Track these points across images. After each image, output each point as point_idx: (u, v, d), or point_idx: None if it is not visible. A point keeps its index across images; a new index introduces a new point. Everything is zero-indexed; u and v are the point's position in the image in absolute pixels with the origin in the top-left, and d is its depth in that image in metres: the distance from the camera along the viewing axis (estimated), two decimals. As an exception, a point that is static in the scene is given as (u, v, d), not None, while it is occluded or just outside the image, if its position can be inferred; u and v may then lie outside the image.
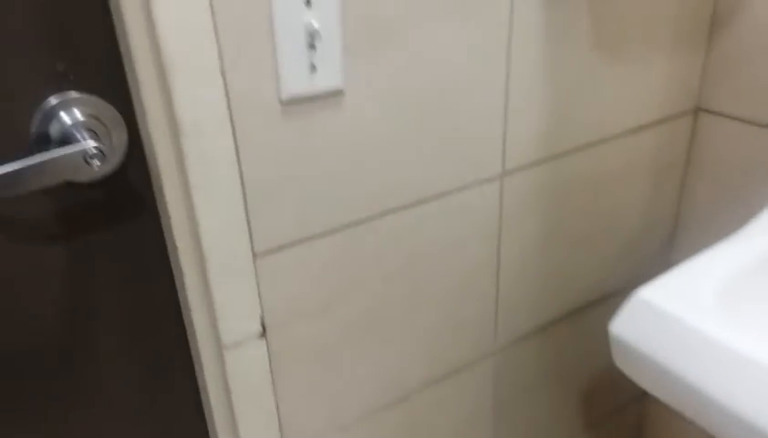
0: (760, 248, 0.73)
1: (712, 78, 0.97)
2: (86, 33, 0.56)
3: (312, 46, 0.59)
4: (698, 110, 1.00)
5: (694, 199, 1.07)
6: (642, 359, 0.67)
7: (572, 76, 0.81)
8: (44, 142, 0.56)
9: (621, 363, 0.71)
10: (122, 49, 0.56)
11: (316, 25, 0.58)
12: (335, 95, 0.63)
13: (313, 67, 0.60)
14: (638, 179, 0.98)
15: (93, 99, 0.57)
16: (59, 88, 0.56)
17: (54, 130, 0.56)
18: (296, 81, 0.60)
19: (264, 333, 0.67)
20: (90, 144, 0.53)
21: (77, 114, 0.57)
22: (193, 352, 0.68)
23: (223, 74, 0.56)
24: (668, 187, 1.04)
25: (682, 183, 1.06)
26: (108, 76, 0.58)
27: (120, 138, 0.59)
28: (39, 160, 0.51)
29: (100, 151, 0.54)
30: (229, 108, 0.58)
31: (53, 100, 0.56)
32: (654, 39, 0.87)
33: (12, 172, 0.50)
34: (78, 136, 0.55)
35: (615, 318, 0.69)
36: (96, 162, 0.53)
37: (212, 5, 0.54)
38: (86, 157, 0.53)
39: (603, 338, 1.08)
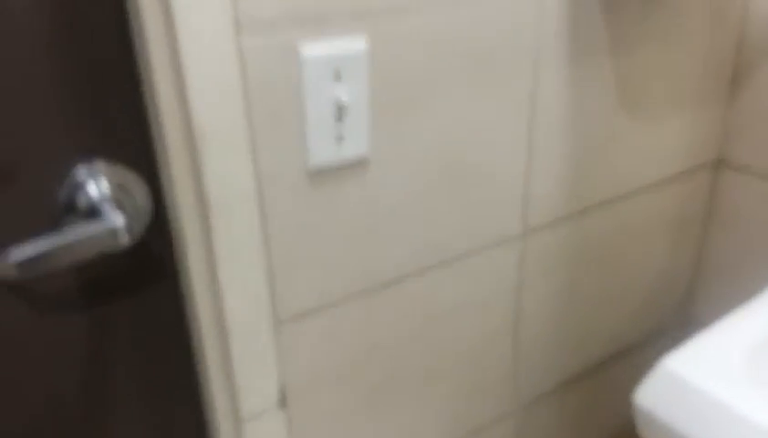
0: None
1: (733, 131, 0.97)
2: (116, 106, 0.56)
3: (340, 118, 0.59)
4: (719, 163, 0.99)
5: (715, 251, 1.06)
6: (667, 431, 0.65)
7: (595, 133, 0.80)
8: (71, 213, 0.56)
9: (645, 433, 0.69)
10: (152, 122, 0.56)
11: (344, 98, 0.58)
12: (360, 163, 0.63)
13: (340, 138, 0.60)
14: (659, 232, 0.97)
15: (120, 168, 0.57)
16: (88, 158, 0.56)
17: (81, 200, 0.56)
18: (324, 152, 0.59)
19: (283, 403, 0.66)
20: (119, 222, 0.52)
21: (105, 185, 0.57)
22: (210, 423, 0.67)
23: (252, 147, 0.56)
24: (688, 239, 1.03)
25: (703, 236, 1.05)
26: (135, 146, 0.58)
27: (145, 207, 0.59)
28: (66, 240, 0.51)
29: (128, 226, 0.53)
30: (257, 180, 0.58)
31: (81, 171, 0.56)
32: (676, 94, 0.87)
33: (39, 254, 0.50)
34: (106, 209, 0.55)
35: (639, 388, 0.67)
36: (124, 238, 0.53)
37: (244, 81, 0.54)
38: (114, 233, 0.52)
39: (624, 393, 1.07)
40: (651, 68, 0.82)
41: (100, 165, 0.57)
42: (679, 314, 1.10)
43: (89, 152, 0.56)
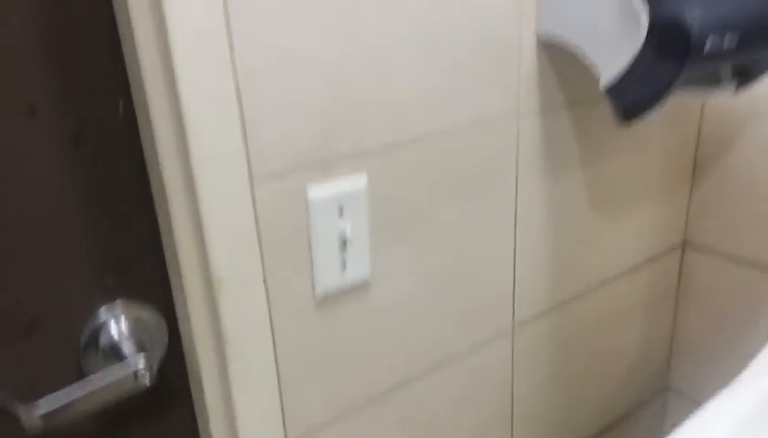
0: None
1: (696, 216, 1.05)
2: (136, 250, 0.59)
3: (343, 248, 0.63)
4: (684, 245, 1.07)
5: (686, 325, 1.12)
6: None
7: (571, 234, 0.87)
8: (92, 351, 0.59)
9: None
10: (169, 264, 0.60)
11: (347, 231, 0.62)
12: (363, 286, 0.67)
13: (344, 266, 0.64)
14: (635, 312, 1.03)
15: (138, 305, 0.60)
16: (108, 299, 0.59)
17: (103, 339, 0.59)
18: (329, 280, 0.63)
19: None
20: (141, 364, 0.55)
21: (124, 323, 0.59)
22: None
23: (265, 282, 0.60)
24: (662, 316, 1.09)
25: (675, 311, 1.12)
26: (153, 284, 0.61)
27: (161, 339, 0.62)
28: (90, 388, 0.53)
29: (147, 366, 0.56)
30: (269, 311, 0.61)
31: (102, 312, 0.59)
32: (641, 189, 0.94)
33: (64, 404, 0.52)
34: (127, 350, 0.57)
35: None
36: (145, 380, 0.55)
37: (257, 224, 0.58)
38: (135, 376, 0.55)
39: (611, 469, 1.10)
40: (619, 172, 0.89)
41: (120, 304, 0.59)
42: (657, 384, 1.15)
43: (110, 294, 0.59)
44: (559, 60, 0.75)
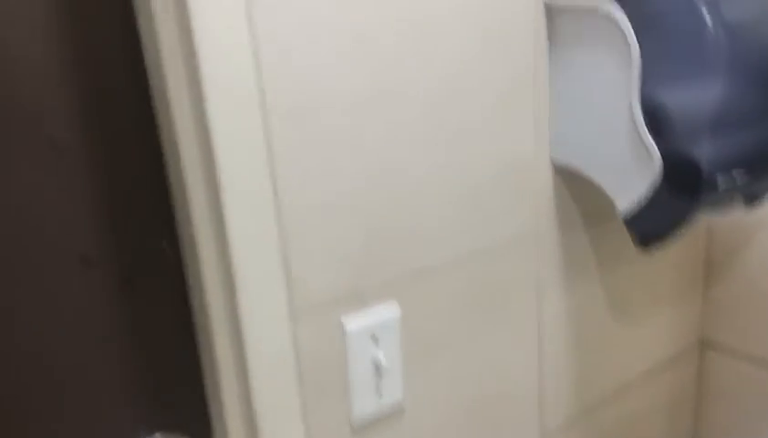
0: None
1: (711, 316, 1.06)
2: (175, 382, 0.61)
3: (378, 375, 0.65)
4: (702, 345, 1.08)
5: (708, 425, 1.11)
6: None
7: (591, 342, 0.88)
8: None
9: None
10: (210, 397, 0.61)
11: (382, 359, 0.64)
12: (397, 411, 0.68)
13: (379, 392, 0.66)
14: (657, 413, 1.03)
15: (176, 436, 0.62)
16: (148, 433, 0.60)
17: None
18: (366, 407, 0.65)
19: None
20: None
21: (163, 457, 0.61)
22: None
23: (304, 412, 0.61)
24: (683, 417, 1.09)
25: (696, 412, 1.12)
26: (190, 416, 0.62)
27: (199, 470, 0.63)
28: None
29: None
30: (307, 440, 0.62)
31: (142, 446, 0.60)
32: (656, 292, 0.97)
33: None
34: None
35: None
36: None
37: (297, 357, 0.60)
38: None
39: None
40: (633, 279, 0.92)
41: (159, 436, 0.61)
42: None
43: (150, 427, 0.60)
44: (574, 183, 0.79)
